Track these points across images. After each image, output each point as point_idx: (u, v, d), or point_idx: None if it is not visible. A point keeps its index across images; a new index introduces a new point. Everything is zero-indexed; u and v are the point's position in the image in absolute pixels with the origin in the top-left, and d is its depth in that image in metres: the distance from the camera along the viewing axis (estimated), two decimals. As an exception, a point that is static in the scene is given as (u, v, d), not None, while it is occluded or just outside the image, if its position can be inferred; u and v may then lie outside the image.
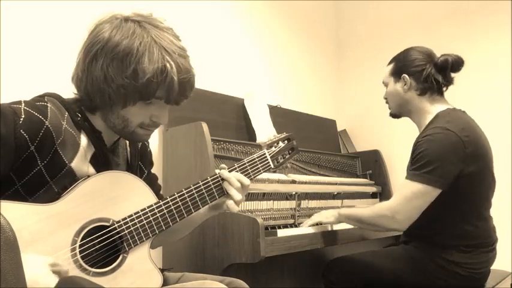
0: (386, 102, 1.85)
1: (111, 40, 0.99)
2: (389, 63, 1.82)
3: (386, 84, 1.82)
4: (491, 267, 1.70)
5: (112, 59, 0.98)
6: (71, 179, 1.01)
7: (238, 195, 1.15)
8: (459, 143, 1.55)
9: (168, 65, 0.99)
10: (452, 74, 1.72)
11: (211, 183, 1.16)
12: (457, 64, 1.68)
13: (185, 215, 1.11)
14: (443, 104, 1.72)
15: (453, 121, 1.61)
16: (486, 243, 1.64)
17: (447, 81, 1.71)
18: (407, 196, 1.56)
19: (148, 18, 1.04)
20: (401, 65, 1.74)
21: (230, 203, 1.16)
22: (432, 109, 1.70)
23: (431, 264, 1.62)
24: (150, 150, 1.31)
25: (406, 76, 1.72)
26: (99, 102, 1.03)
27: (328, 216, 1.76)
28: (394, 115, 1.85)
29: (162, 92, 1.02)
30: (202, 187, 1.14)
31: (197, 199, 1.13)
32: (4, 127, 0.90)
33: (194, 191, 1.13)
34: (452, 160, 1.54)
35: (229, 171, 1.18)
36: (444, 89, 1.74)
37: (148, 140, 1.29)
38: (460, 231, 1.61)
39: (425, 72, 1.68)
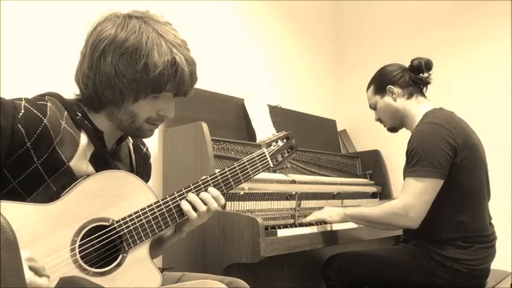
0: (381, 122, 1.93)
1: (118, 36, 1.00)
2: (368, 87, 1.92)
3: (374, 106, 1.90)
4: (492, 267, 1.70)
5: (121, 54, 0.99)
6: (70, 177, 1.01)
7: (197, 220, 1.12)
8: (447, 133, 1.62)
9: (177, 57, 1.02)
10: (429, 75, 1.83)
11: (210, 182, 1.16)
12: (428, 65, 1.80)
13: (184, 214, 1.11)
14: (429, 104, 1.80)
15: (439, 117, 1.69)
16: (483, 238, 1.65)
17: (425, 80, 1.83)
18: (415, 193, 1.58)
19: (148, 14, 1.06)
20: (381, 80, 1.85)
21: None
22: (420, 111, 1.77)
23: (431, 261, 1.64)
24: (150, 163, 1.31)
25: (391, 86, 1.82)
26: (110, 98, 1.03)
27: (332, 215, 1.76)
28: (392, 128, 1.92)
29: (173, 85, 1.04)
30: (201, 186, 1.14)
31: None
32: (3, 119, 0.90)
33: (193, 191, 1.13)
34: (444, 149, 1.59)
35: (218, 176, 1.16)
36: (424, 89, 1.84)
37: (150, 153, 1.30)
38: (455, 223, 1.64)
39: (406, 78, 1.81)
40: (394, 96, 1.81)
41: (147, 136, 1.13)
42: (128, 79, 1.00)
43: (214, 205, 1.13)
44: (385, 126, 1.93)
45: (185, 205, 1.10)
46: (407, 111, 1.80)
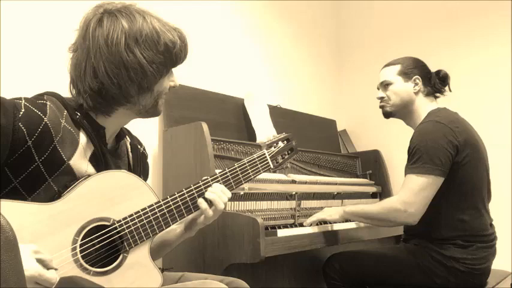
0: (383, 101, 1.88)
1: (133, 28, 1.04)
2: (391, 64, 1.87)
3: (387, 84, 1.86)
4: (492, 267, 1.70)
5: (144, 43, 1.05)
6: (70, 176, 1.01)
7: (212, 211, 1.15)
8: (449, 132, 1.63)
9: (181, 31, 1.12)
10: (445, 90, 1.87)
11: (211, 182, 1.16)
12: (449, 79, 1.85)
13: (185, 215, 1.12)
14: (435, 105, 1.82)
15: (442, 116, 1.71)
16: (483, 237, 1.66)
17: (443, 91, 1.86)
18: (414, 189, 1.59)
19: (139, 7, 1.11)
20: (413, 67, 1.84)
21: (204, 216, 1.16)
22: (426, 109, 1.79)
23: (431, 261, 1.65)
24: (147, 163, 1.32)
25: (419, 78, 1.81)
26: (146, 86, 1.07)
27: (332, 213, 1.77)
28: (390, 113, 1.88)
29: (184, 55, 1.13)
30: (202, 186, 1.14)
31: (197, 199, 1.13)
32: (4, 118, 0.90)
33: (194, 191, 1.13)
34: (445, 147, 1.60)
35: (219, 177, 1.17)
36: (438, 95, 1.86)
37: (147, 153, 1.32)
38: (455, 222, 1.65)
39: (432, 80, 1.83)
40: (416, 87, 1.81)
41: (160, 112, 1.18)
42: (156, 63, 1.06)
43: (225, 199, 1.15)
44: (383, 107, 1.89)
45: (203, 204, 1.13)
46: (417, 107, 1.81)
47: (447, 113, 1.74)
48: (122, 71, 1.03)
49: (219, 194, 1.14)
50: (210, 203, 1.14)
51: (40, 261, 0.81)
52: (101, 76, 1.03)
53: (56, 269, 0.84)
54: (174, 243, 1.25)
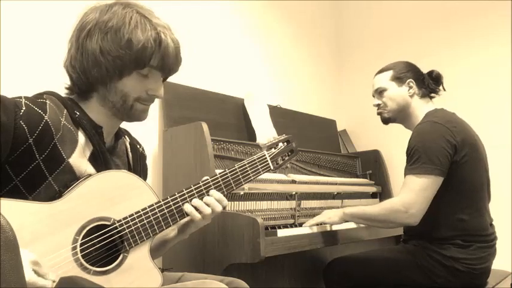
0: (380, 109, 1.89)
1: (101, 18, 1.04)
2: (383, 71, 1.89)
3: (381, 90, 1.87)
4: (492, 267, 1.70)
5: (106, 33, 1.03)
6: (70, 175, 1.01)
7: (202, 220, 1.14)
8: (447, 132, 1.64)
9: (161, 34, 1.06)
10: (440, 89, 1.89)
11: (211, 183, 1.16)
12: (442, 79, 1.85)
13: (185, 215, 1.12)
14: (432, 105, 1.84)
15: (440, 116, 1.72)
16: (482, 237, 1.66)
17: (438, 90, 1.88)
18: (414, 189, 1.59)
19: (131, 2, 1.10)
20: (405, 71, 1.85)
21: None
22: (423, 111, 1.80)
23: (430, 261, 1.65)
24: (146, 163, 1.31)
25: (412, 81, 1.82)
26: (97, 76, 1.05)
27: (331, 216, 1.77)
28: (389, 119, 1.89)
29: (157, 60, 1.06)
30: (202, 187, 1.14)
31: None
32: (5, 116, 0.91)
33: (194, 191, 1.13)
34: (443, 147, 1.61)
35: (219, 177, 1.17)
36: (433, 95, 1.88)
37: (146, 153, 1.31)
38: (454, 221, 1.65)
39: (426, 81, 1.84)
40: (410, 90, 1.82)
41: (142, 118, 1.14)
42: (113, 56, 1.03)
43: (218, 208, 1.13)
44: (381, 114, 1.90)
45: (188, 207, 1.11)
46: (414, 109, 1.82)
47: (444, 113, 1.75)
48: (78, 55, 1.05)
49: (212, 202, 1.13)
50: (197, 209, 1.13)
51: (36, 273, 0.81)
52: (67, 59, 1.08)
53: (53, 281, 0.84)
54: (169, 243, 1.25)
